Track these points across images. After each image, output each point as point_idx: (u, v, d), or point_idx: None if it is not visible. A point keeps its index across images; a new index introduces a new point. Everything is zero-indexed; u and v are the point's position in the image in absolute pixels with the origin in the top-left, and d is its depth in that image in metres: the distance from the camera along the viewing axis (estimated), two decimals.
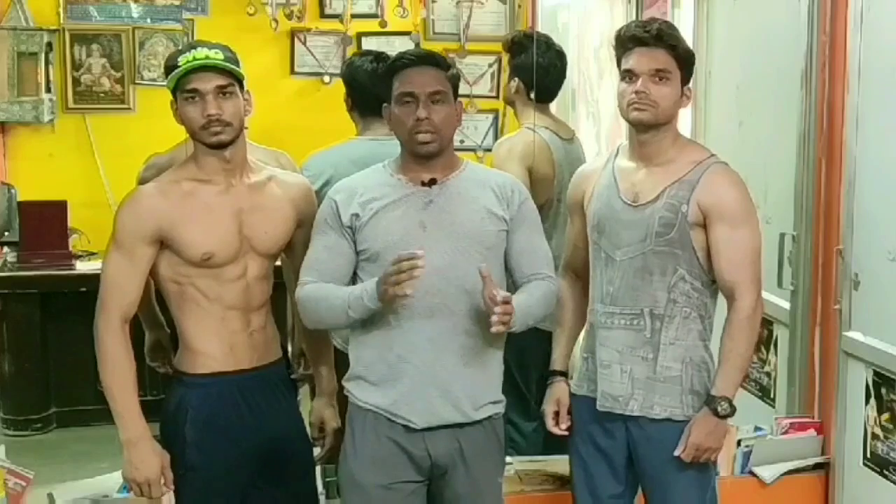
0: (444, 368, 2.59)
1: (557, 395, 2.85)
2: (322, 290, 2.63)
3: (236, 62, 2.65)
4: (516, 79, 3.88)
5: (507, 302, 2.47)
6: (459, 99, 2.68)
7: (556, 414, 2.83)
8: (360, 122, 3.58)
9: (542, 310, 2.70)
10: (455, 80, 2.67)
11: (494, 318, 2.46)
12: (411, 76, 2.60)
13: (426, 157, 2.62)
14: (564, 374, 2.88)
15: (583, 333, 2.90)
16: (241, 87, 2.66)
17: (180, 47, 2.88)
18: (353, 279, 2.67)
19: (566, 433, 2.84)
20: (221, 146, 2.63)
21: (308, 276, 2.66)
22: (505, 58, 4.20)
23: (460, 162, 2.71)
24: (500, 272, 2.68)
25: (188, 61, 2.58)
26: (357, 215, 2.62)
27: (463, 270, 2.58)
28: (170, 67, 2.64)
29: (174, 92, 2.63)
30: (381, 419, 2.64)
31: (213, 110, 2.58)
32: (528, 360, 3.63)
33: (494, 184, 2.69)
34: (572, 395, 2.86)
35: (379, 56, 3.54)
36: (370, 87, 3.38)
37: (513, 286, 2.71)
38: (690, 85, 2.74)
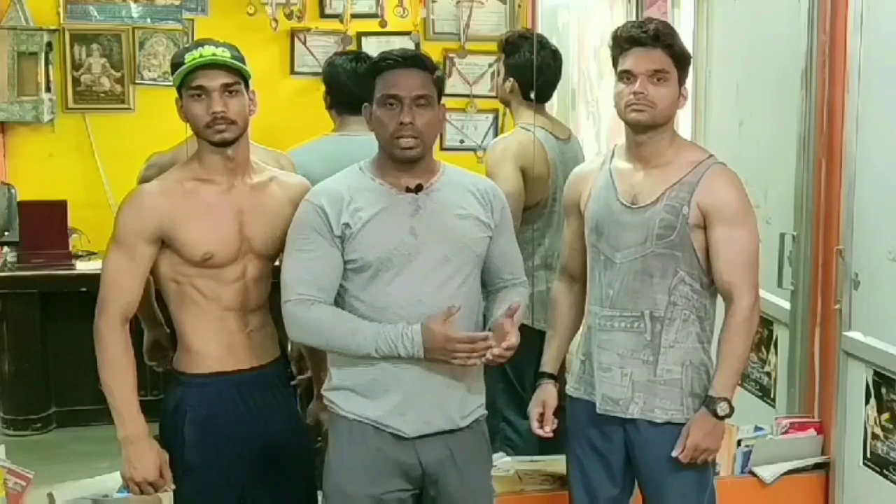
0: (437, 377, 2.56)
1: (543, 397, 2.84)
2: (341, 318, 2.54)
3: (242, 61, 2.64)
4: (511, 78, 3.86)
5: (510, 348, 2.49)
6: (443, 101, 2.60)
7: (542, 416, 2.83)
8: (337, 119, 3.67)
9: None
10: (440, 83, 2.59)
11: (489, 356, 2.48)
12: (396, 78, 2.51)
13: (407, 162, 2.56)
14: (554, 376, 2.88)
15: (579, 336, 2.90)
16: (247, 86, 2.65)
17: (183, 46, 2.88)
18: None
19: (550, 436, 2.83)
20: (225, 144, 2.63)
21: (305, 288, 2.53)
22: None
23: (439, 165, 2.65)
24: (479, 276, 2.67)
25: (195, 58, 2.58)
26: (347, 224, 2.54)
27: (453, 277, 2.57)
28: (176, 65, 2.64)
29: (179, 89, 2.63)
30: (368, 429, 2.58)
31: (219, 108, 2.58)
32: (523, 357, 3.61)
33: (476, 189, 2.65)
34: (569, 398, 2.85)
35: (359, 56, 3.65)
36: (349, 87, 3.50)
37: (483, 287, 2.70)
38: (688, 85, 2.74)
